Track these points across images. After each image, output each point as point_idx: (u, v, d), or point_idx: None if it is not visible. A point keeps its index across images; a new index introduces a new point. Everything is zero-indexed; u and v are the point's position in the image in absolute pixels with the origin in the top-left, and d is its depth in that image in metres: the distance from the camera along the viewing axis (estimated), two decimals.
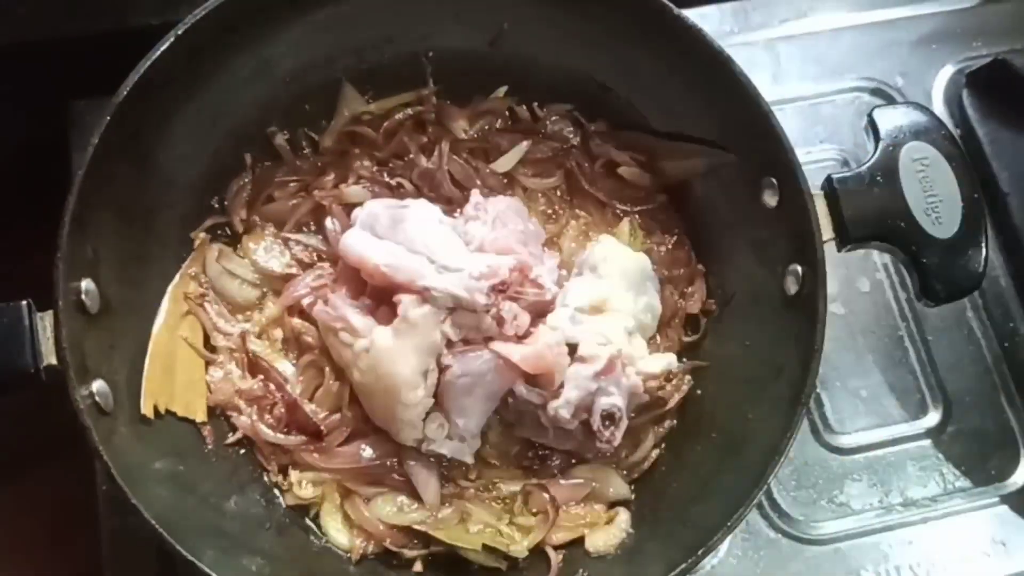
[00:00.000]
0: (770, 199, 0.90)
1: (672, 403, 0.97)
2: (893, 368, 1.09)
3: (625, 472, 0.95)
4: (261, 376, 0.95)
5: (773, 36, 1.22)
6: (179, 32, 0.87)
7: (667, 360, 0.94)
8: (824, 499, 1.04)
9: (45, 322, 0.80)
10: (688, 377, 0.98)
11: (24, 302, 0.80)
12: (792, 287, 0.88)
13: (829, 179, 0.88)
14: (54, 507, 1.12)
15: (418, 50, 1.02)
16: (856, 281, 1.13)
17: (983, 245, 0.87)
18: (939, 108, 1.19)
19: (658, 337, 1.00)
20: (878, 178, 0.87)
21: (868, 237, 0.87)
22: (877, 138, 0.89)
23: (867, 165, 0.88)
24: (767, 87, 1.19)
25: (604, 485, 0.94)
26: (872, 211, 0.87)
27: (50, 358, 0.79)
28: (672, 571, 0.78)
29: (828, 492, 1.04)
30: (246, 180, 1.00)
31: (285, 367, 0.96)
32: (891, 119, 0.89)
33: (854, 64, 1.21)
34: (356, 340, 0.89)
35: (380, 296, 0.91)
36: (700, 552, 0.78)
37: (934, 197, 0.87)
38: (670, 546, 0.84)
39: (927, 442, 1.07)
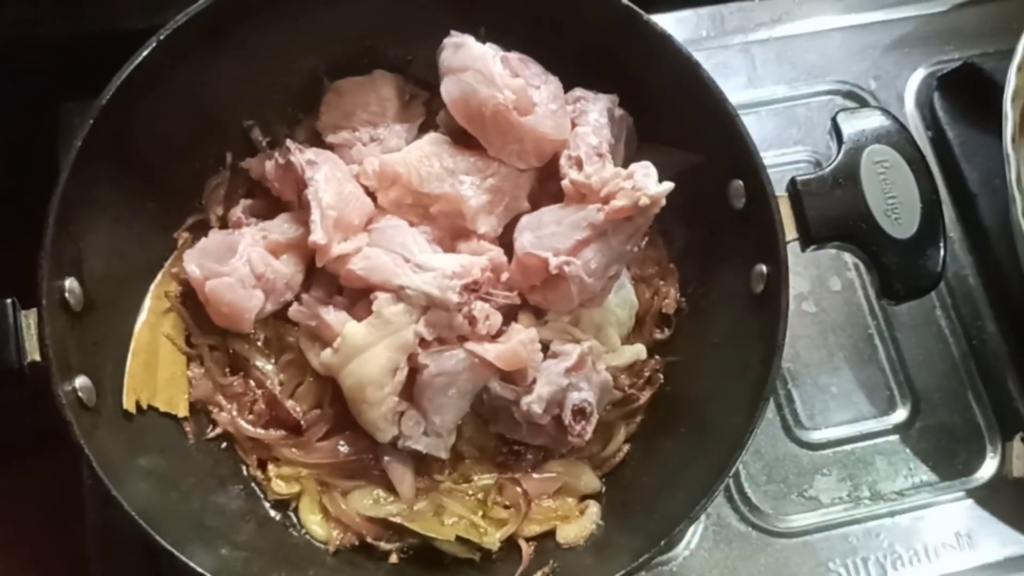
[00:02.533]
0: (737, 201, 0.93)
1: (643, 399, 0.99)
2: (863, 365, 1.12)
3: (596, 466, 0.98)
4: (241, 373, 0.97)
5: (749, 40, 1.25)
6: (161, 37, 0.89)
7: (635, 351, 0.96)
8: (794, 493, 1.06)
9: (29, 320, 0.82)
10: (659, 374, 1.00)
11: (8, 300, 0.83)
12: (758, 286, 0.91)
13: (793, 181, 0.90)
14: (40, 502, 1.14)
15: (399, 55, 1.05)
16: (827, 280, 1.15)
17: (941, 245, 0.89)
18: (911, 111, 1.22)
19: (632, 335, 1.02)
20: (840, 180, 0.90)
21: (830, 238, 0.90)
22: (840, 141, 0.91)
23: (830, 168, 0.91)
24: (743, 90, 1.21)
25: (576, 479, 0.96)
26: (834, 212, 0.89)
27: (34, 355, 0.82)
28: (637, 560, 0.81)
29: (798, 486, 1.07)
30: (223, 177, 1.02)
31: (265, 365, 0.98)
32: (854, 123, 0.92)
33: (828, 67, 1.24)
34: (330, 338, 0.92)
35: (355, 296, 0.94)
36: (663, 542, 0.81)
37: (894, 199, 0.89)
38: (637, 537, 0.86)
39: (895, 437, 1.09)
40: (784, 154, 1.19)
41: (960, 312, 1.14)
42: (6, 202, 1.10)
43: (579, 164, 0.93)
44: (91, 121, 0.86)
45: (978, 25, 1.25)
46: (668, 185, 0.88)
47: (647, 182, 0.87)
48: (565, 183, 0.93)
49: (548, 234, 0.92)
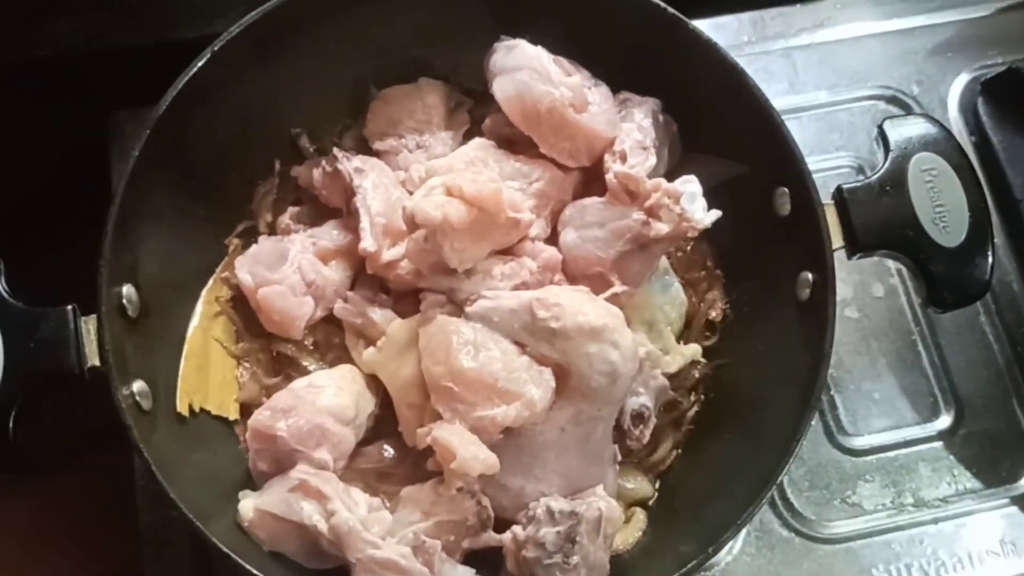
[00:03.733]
0: (783, 208, 0.93)
1: (690, 405, 1.00)
2: (906, 372, 1.11)
3: (643, 472, 0.98)
4: (286, 374, 0.98)
5: (790, 45, 1.25)
6: (215, 48, 0.91)
7: (692, 350, 0.98)
8: (837, 499, 1.06)
9: (89, 326, 0.84)
10: (705, 381, 1.01)
11: (69, 307, 0.85)
12: (803, 293, 0.91)
13: (839, 189, 0.90)
14: (91, 503, 1.16)
15: (444, 64, 1.06)
16: (871, 286, 1.15)
17: (989, 253, 0.89)
18: (954, 116, 1.21)
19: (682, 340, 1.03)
20: (887, 188, 0.90)
21: (877, 245, 0.90)
22: (887, 149, 0.91)
23: (877, 175, 0.91)
24: (784, 96, 1.21)
25: (629, 484, 0.97)
26: (881, 220, 0.90)
27: (93, 360, 0.84)
28: (683, 567, 0.81)
29: (841, 492, 1.07)
30: (272, 184, 1.04)
31: (311, 366, 0.99)
32: (901, 130, 0.92)
33: (870, 72, 1.24)
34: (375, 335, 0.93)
35: (400, 294, 0.95)
36: (711, 549, 0.81)
37: (941, 207, 0.89)
38: (683, 543, 0.86)
39: (939, 444, 1.09)
40: (826, 159, 1.19)
41: (1004, 318, 1.14)
42: (61, 210, 1.12)
43: (623, 158, 0.94)
44: (148, 131, 0.88)
45: (1022, 30, 1.25)
46: (715, 214, 0.89)
47: (694, 210, 0.88)
48: (609, 176, 0.93)
49: (591, 237, 0.94)
